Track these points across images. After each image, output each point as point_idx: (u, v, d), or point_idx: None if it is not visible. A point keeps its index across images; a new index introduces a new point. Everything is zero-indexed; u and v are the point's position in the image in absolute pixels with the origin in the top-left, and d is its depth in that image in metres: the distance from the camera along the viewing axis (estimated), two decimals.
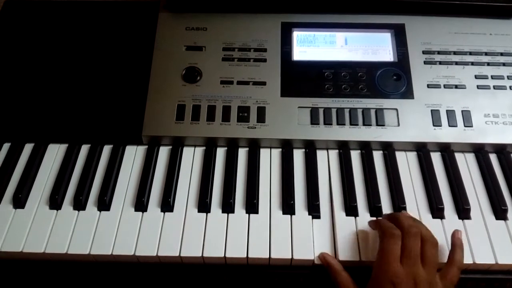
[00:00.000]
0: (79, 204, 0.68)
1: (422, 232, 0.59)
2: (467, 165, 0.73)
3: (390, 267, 0.55)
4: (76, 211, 0.68)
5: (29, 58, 0.81)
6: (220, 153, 0.75)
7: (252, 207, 0.68)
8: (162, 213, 0.68)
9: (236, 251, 0.63)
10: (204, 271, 0.65)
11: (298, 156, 0.74)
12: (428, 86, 0.77)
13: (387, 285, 0.55)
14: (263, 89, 0.77)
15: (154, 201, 0.69)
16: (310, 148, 0.74)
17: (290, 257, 0.63)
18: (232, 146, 0.75)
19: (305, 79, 0.77)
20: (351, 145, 0.75)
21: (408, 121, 0.74)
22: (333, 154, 0.75)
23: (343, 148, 0.74)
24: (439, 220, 0.67)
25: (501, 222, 0.67)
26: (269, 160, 0.74)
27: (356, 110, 0.75)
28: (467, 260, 0.62)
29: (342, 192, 0.70)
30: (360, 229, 0.66)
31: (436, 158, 0.74)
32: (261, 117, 0.74)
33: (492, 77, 0.78)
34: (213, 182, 0.71)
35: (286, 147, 0.74)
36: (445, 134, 0.74)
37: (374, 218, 0.67)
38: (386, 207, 0.68)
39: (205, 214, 0.67)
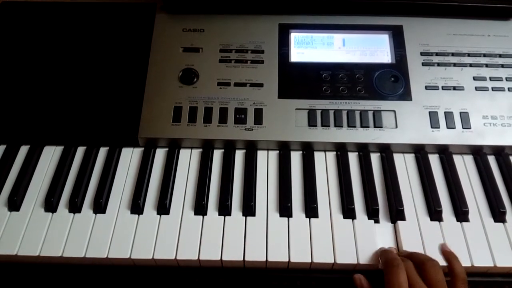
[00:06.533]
0: (75, 206, 0.68)
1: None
2: (465, 167, 0.73)
3: None
4: (72, 214, 0.67)
5: (25, 59, 0.81)
6: (217, 155, 0.74)
7: (249, 209, 0.67)
8: (158, 215, 0.67)
9: (233, 254, 0.63)
10: (201, 274, 0.65)
11: (296, 158, 0.74)
12: (426, 87, 0.77)
13: None
14: (260, 91, 0.76)
15: (150, 204, 0.69)
16: (308, 150, 0.74)
17: (287, 260, 0.62)
18: (229, 148, 0.74)
19: (303, 81, 0.77)
20: (349, 147, 0.74)
21: (406, 123, 0.74)
22: (331, 156, 0.74)
23: (341, 150, 0.74)
24: (437, 222, 0.67)
25: (500, 224, 0.67)
26: (266, 162, 0.73)
27: (353, 112, 0.74)
28: (466, 263, 0.62)
29: (340, 194, 0.70)
30: (357, 232, 0.65)
31: (434, 160, 0.73)
32: (258, 119, 0.74)
33: (491, 78, 0.77)
34: (210, 184, 0.71)
35: (284, 149, 0.74)
36: (443, 136, 0.73)
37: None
38: (384, 210, 0.68)
39: (201, 216, 0.67)
